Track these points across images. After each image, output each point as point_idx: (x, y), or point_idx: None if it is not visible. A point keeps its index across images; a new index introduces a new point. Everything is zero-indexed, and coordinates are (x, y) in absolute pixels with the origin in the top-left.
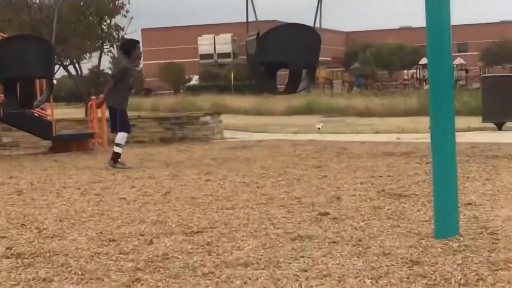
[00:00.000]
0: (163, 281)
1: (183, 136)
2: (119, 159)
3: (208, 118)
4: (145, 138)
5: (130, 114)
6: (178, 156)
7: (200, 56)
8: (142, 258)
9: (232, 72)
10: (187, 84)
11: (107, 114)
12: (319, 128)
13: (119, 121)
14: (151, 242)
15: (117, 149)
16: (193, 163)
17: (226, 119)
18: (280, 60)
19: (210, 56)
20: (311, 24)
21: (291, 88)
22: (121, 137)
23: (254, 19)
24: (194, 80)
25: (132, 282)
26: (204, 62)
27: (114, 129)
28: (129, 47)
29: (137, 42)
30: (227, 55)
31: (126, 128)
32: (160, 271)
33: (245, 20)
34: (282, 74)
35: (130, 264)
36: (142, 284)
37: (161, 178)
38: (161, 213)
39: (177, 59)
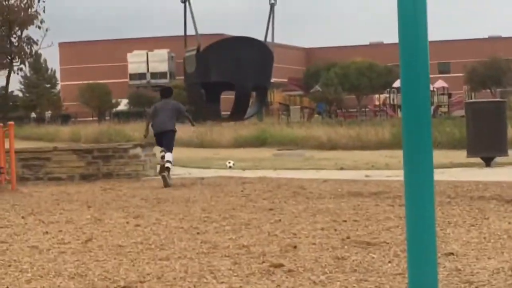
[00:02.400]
0: None
1: (108, 172)
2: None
3: (139, 150)
4: (62, 175)
5: (43, 145)
6: (102, 196)
7: (130, 76)
8: None
9: None
10: (114, 109)
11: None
12: (230, 167)
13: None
14: None
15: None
16: (120, 205)
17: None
18: (225, 80)
19: (142, 76)
20: (262, 38)
21: (238, 114)
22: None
23: (195, 32)
24: (123, 104)
25: None
26: (134, 83)
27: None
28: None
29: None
30: (162, 74)
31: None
32: None
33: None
34: (227, 98)
35: None
36: None
37: (81, 222)
38: (80, 264)
39: (102, 79)
